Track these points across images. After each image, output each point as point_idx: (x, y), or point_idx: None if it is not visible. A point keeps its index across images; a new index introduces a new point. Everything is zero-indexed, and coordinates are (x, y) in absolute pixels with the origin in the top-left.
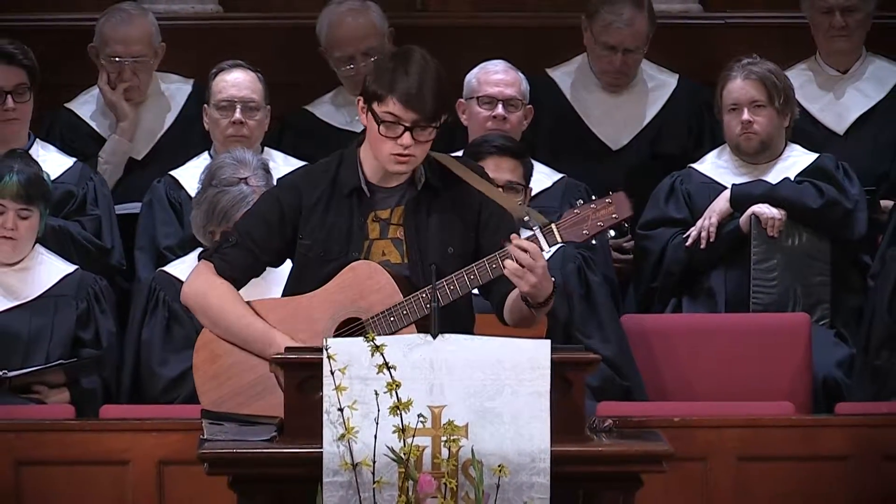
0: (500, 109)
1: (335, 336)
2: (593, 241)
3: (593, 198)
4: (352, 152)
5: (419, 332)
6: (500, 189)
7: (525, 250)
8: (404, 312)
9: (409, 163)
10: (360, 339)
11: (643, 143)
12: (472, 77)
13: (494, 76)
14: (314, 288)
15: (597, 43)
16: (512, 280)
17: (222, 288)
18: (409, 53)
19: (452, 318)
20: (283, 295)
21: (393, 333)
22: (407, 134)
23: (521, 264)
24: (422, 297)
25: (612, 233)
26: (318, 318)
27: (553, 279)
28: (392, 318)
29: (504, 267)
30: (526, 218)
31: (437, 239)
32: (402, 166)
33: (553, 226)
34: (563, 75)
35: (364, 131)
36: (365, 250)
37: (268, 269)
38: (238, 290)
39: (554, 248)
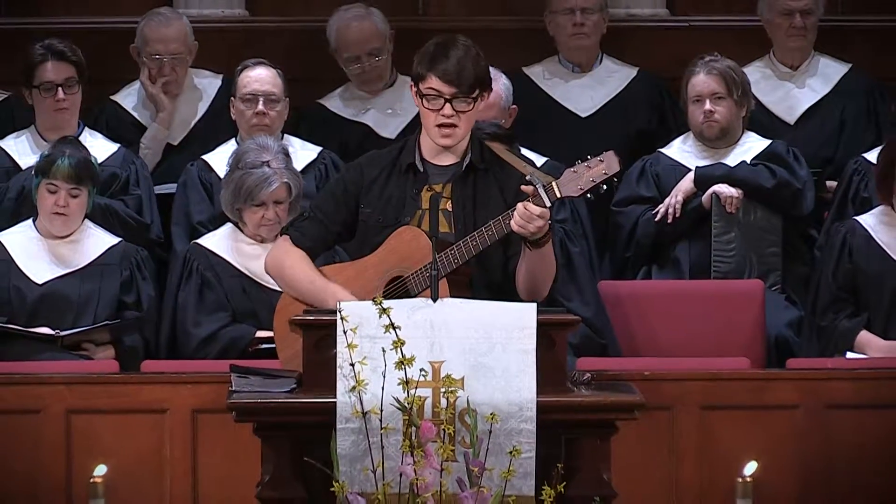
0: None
1: (384, 291)
2: (589, 196)
3: (588, 157)
4: (414, 136)
5: (449, 286)
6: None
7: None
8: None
9: (453, 135)
10: (370, 302)
11: (611, 116)
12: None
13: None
14: (373, 251)
15: (557, 14)
16: (516, 224)
17: (296, 256)
18: (449, 38)
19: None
20: (350, 257)
21: (428, 287)
22: (447, 105)
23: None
24: (449, 254)
25: (604, 187)
26: (371, 277)
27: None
28: (428, 274)
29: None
30: (529, 177)
31: (481, 211)
32: (447, 139)
33: (553, 183)
34: (535, 70)
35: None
36: (417, 219)
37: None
38: (313, 259)
39: None
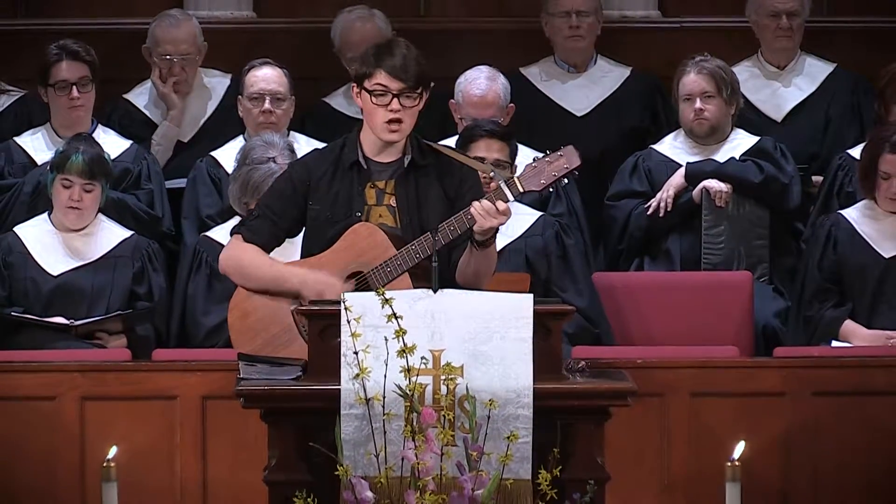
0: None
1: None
2: (550, 189)
3: (548, 152)
4: (353, 135)
5: (411, 279)
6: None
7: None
8: (398, 264)
9: (400, 130)
10: (373, 293)
11: (606, 115)
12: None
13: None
14: (324, 246)
15: (553, 17)
16: (477, 217)
17: (252, 250)
18: (390, 40)
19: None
20: (300, 254)
21: (389, 282)
22: (395, 100)
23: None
24: (411, 249)
25: (566, 181)
26: (329, 274)
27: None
28: (388, 269)
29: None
30: (492, 174)
31: (424, 206)
32: (394, 134)
33: (515, 178)
34: (532, 70)
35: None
36: (364, 214)
37: (287, 240)
38: None
39: (536, 216)
